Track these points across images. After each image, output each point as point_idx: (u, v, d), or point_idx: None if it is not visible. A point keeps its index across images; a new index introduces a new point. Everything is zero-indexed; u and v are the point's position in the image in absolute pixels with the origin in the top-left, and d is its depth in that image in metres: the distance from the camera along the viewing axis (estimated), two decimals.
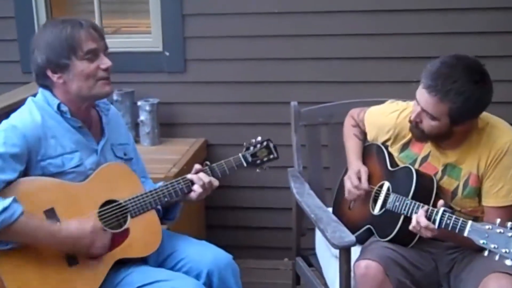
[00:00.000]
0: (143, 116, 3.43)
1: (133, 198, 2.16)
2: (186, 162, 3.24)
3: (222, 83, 3.57)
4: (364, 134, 2.61)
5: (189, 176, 2.27)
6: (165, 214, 2.36)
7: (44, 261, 1.99)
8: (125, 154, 2.33)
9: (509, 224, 1.92)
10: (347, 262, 2.24)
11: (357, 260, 2.25)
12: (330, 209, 2.61)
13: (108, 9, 3.65)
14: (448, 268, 2.31)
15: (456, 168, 2.27)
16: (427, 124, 2.19)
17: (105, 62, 2.12)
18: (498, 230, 1.92)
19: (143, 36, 3.66)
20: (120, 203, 2.14)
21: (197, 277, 2.18)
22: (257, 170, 2.45)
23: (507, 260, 1.89)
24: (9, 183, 1.97)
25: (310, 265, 2.79)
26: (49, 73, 2.08)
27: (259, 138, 2.44)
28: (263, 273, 3.59)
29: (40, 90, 2.17)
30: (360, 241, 2.38)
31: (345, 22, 3.41)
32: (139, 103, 3.44)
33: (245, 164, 2.38)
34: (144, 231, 2.16)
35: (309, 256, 2.83)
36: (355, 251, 2.31)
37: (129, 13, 3.85)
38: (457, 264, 2.28)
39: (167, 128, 3.58)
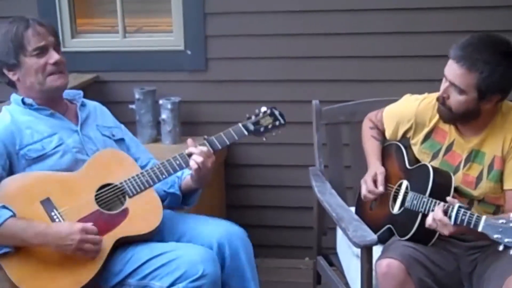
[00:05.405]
0: (164, 115, 3.44)
1: (128, 179, 2.17)
2: None
3: (243, 82, 3.57)
4: (382, 135, 2.61)
5: (186, 150, 2.24)
6: (185, 199, 2.39)
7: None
8: (113, 135, 2.36)
9: None
10: (369, 261, 2.23)
11: (379, 258, 2.25)
12: (352, 208, 2.60)
13: (130, 9, 3.67)
14: (471, 268, 2.29)
15: (480, 153, 2.26)
16: (455, 99, 2.19)
17: (53, 57, 2.17)
18: None
19: (165, 35, 3.66)
20: (116, 185, 2.16)
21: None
22: (264, 139, 2.37)
23: None
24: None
25: (331, 264, 2.78)
26: (5, 71, 2.19)
27: (263, 108, 2.38)
28: (284, 272, 3.58)
29: (11, 96, 2.26)
30: (382, 240, 2.36)
31: (367, 21, 3.39)
32: (160, 101, 3.45)
33: (246, 133, 2.33)
34: (144, 210, 2.17)
35: (330, 255, 2.82)
36: (377, 250, 2.30)
37: (151, 12, 3.87)
38: (479, 264, 2.26)
39: (188, 126, 3.58)
